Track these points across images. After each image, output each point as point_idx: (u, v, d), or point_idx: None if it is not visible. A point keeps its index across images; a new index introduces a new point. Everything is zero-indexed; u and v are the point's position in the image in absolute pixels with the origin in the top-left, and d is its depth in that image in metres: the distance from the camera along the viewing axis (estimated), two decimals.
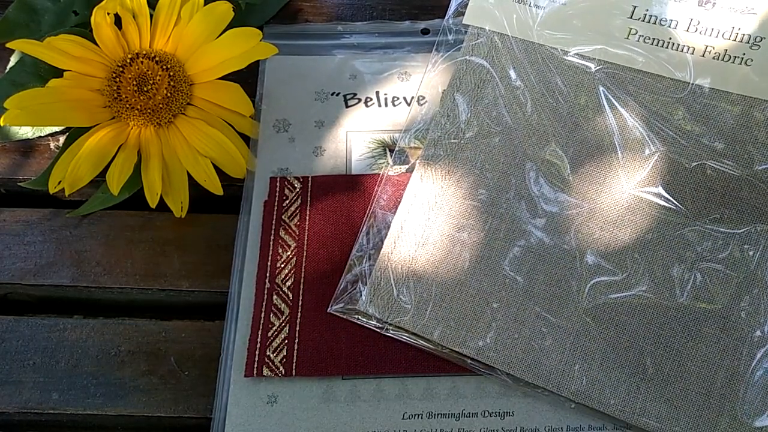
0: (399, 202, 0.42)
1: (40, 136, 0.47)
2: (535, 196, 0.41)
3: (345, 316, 0.40)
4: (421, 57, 0.48)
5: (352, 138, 0.46)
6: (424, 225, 0.41)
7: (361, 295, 0.40)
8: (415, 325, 0.39)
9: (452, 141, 0.43)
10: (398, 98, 0.47)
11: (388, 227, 0.41)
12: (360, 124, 0.46)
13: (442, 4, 0.48)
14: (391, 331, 0.39)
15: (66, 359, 0.41)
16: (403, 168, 0.44)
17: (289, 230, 0.42)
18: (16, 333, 0.42)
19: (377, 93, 0.47)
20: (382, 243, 0.41)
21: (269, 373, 0.38)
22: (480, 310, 0.39)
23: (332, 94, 0.47)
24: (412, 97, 0.47)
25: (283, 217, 0.43)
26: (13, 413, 0.40)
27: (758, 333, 0.37)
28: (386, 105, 0.47)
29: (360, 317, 0.39)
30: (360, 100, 0.47)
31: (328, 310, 0.40)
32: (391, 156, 0.44)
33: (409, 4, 0.52)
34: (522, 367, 0.38)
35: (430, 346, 0.38)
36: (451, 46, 0.46)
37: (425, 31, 0.49)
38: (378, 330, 0.39)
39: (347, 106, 0.47)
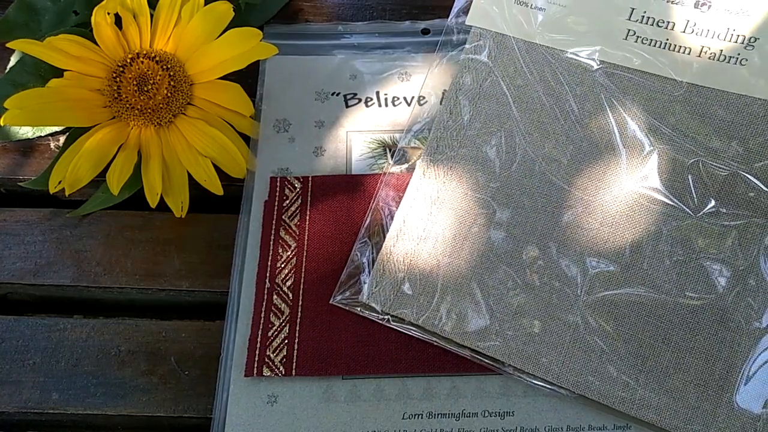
0: (402, 197, 0.42)
1: (40, 136, 0.47)
2: (536, 192, 0.41)
3: (347, 308, 0.40)
4: (422, 57, 0.48)
5: (352, 138, 0.46)
6: (426, 219, 0.41)
7: (363, 287, 0.40)
8: (417, 316, 0.39)
9: (454, 138, 0.43)
10: (398, 98, 0.47)
11: (391, 220, 0.41)
12: (360, 124, 0.46)
13: (442, 4, 0.48)
14: (393, 323, 0.39)
15: (66, 359, 0.41)
16: (404, 167, 0.44)
17: (290, 230, 0.42)
18: (16, 333, 0.42)
19: (377, 93, 0.47)
20: (385, 236, 0.41)
21: (269, 372, 0.38)
22: (481, 303, 0.39)
23: (332, 94, 0.47)
24: (413, 97, 0.47)
25: (283, 217, 0.43)
26: (13, 413, 0.40)
27: (755, 324, 0.37)
28: (386, 105, 0.47)
29: (362, 309, 0.40)
30: (360, 100, 0.47)
31: (331, 302, 0.40)
32: (392, 156, 0.44)
33: (409, 4, 0.52)
34: (522, 359, 0.38)
35: (431, 337, 0.39)
36: (454, 46, 0.46)
37: (425, 31, 0.49)
38: (380, 321, 0.39)
39: (347, 106, 0.47)
